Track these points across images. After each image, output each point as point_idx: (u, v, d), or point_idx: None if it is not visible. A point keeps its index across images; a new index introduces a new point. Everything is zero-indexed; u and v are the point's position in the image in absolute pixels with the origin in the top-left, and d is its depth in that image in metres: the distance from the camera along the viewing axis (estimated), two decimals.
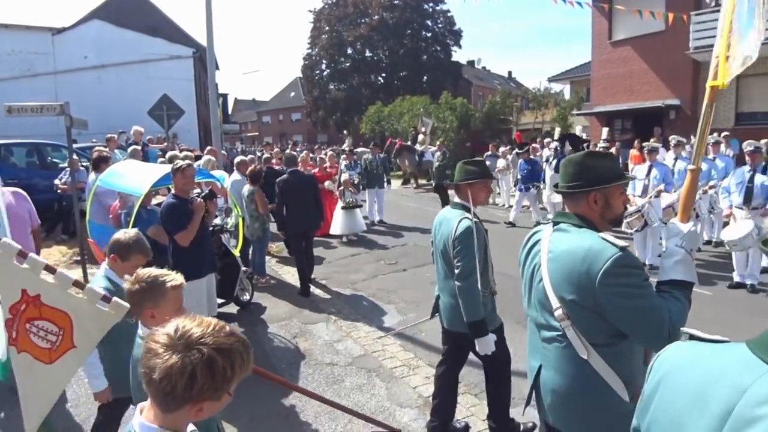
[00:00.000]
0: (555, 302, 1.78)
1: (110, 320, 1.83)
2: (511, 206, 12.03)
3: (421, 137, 19.24)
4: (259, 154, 16.88)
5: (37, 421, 1.91)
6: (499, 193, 13.49)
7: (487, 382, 3.28)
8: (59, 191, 8.75)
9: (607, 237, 1.73)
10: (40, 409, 1.89)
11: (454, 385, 3.35)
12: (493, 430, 3.28)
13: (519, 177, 11.26)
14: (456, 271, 2.91)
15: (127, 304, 1.90)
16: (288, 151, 14.68)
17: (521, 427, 3.34)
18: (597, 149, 10.35)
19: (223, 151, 12.12)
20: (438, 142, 14.72)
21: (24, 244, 3.63)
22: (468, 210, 3.00)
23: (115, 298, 1.86)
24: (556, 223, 1.89)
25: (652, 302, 1.66)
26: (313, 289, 6.68)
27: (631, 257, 1.69)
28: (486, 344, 2.93)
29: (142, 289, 1.93)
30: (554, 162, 11.09)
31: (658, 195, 7.02)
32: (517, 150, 11.78)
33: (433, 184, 12.75)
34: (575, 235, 1.79)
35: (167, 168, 4.77)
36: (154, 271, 1.98)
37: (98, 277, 2.61)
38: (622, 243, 1.70)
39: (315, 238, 7.31)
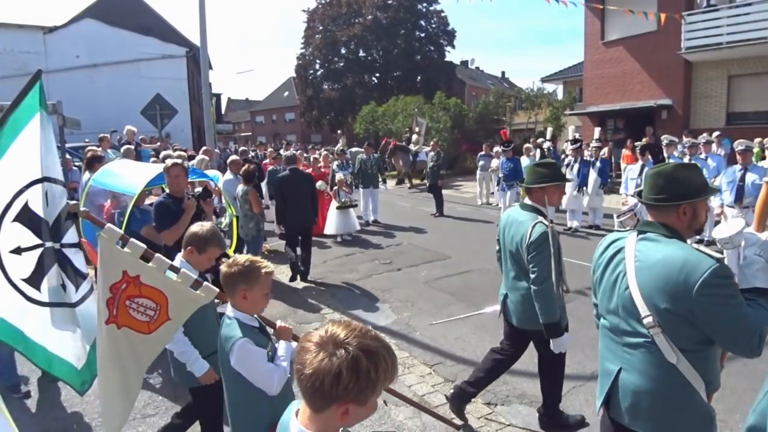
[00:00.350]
0: (644, 310, 1.84)
1: (201, 301, 2.06)
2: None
3: (414, 137, 19.27)
4: (252, 153, 16.79)
5: (135, 391, 2.16)
6: (493, 193, 13.52)
7: (541, 377, 3.36)
8: None
9: (701, 248, 1.81)
10: (136, 377, 2.14)
11: (500, 372, 3.48)
12: (545, 422, 3.35)
13: (501, 176, 11.01)
14: (531, 276, 2.97)
15: (216, 289, 2.08)
16: (282, 150, 14.67)
17: (570, 419, 3.41)
18: (590, 148, 10.41)
19: (216, 150, 12.08)
20: (432, 142, 14.71)
21: None
22: (540, 213, 3.04)
23: (205, 283, 2.07)
24: (641, 232, 1.94)
25: (745, 311, 1.73)
26: (308, 288, 6.69)
27: (727, 269, 1.75)
28: (561, 344, 3.03)
29: (239, 271, 2.07)
30: None
31: None
32: (502, 147, 11.64)
33: (427, 185, 12.75)
34: (666, 245, 1.85)
35: (160, 167, 4.75)
36: (249, 256, 2.15)
37: None
38: (717, 255, 1.79)
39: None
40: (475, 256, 8.02)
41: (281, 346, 2.22)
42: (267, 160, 11.93)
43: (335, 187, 9.71)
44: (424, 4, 35.29)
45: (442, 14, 35.73)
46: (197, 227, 2.71)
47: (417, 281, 6.92)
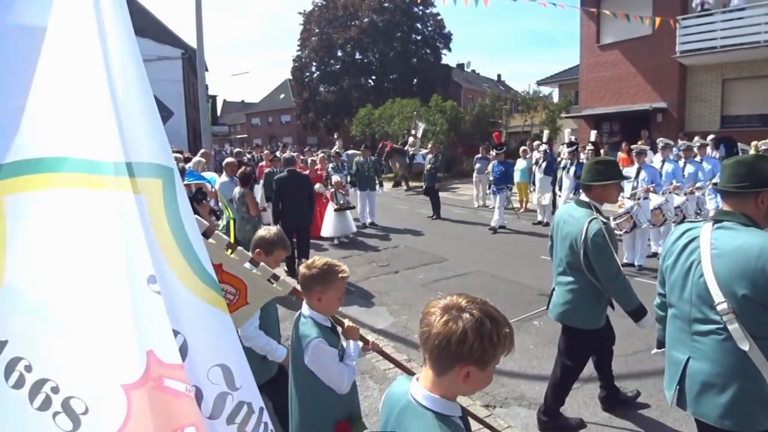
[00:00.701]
0: (718, 297, 1.88)
1: (277, 293, 2.18)
2: (512, 208, 12.08)
3: (411, 140, 19.30)
4: (249, 156, 16.73)
5: None
6: (489, 195, 13.53)
7: (553, 376, 3.37)
8: None
9: None
10: None
11: (607, 359, 3.55)
12: (544, 423, 3.36)
13: (492, 179, 10.87)
14: (602, 277, 3.01)
15: (291, 284, 2.19)
16: (278, 152, 14.67)
17: (570, 421, 3.43)
18: (586, 151, 10.45)
19: (211, 152, 12.05)
20: (430, 145, 14.70)
21: None
22: (596, 209, 3.09)
23: (282, 277, 2.17)
24: (717, 221, 2.00)
25: None
26: None
27: None
28: (646, 322, 3.10)
29: (317, 274, 2.16)
30: (543, 164, 11.16)
31: (646, 197, 7.10)
32: (495, 150, 11.59)
33: (424, 187, 12.74)
34: (744, 233, 1.89)
35: None
36: (327, 260, 2.22)
37: None
38: None
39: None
40: (472, 259, 8.03)
41: (350, 346, 2.29)
42: (263, 162, 11.90)
43: (332, 189, 9.70)
44: (420, 8, 35.39)
45: (438, 17, 35.86)
46: (264, 231, 2.84)
47: (414, 284, 6.91)
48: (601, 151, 8.96)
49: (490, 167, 12.31)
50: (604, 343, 3.45)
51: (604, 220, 3.02)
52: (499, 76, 50.83)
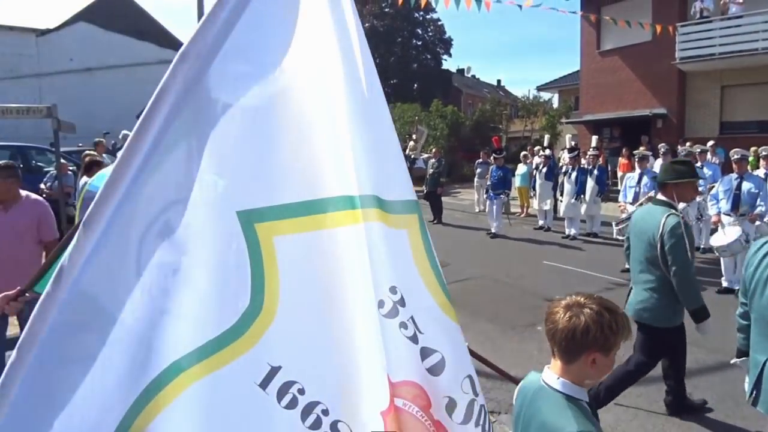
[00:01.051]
0: None
1: None
2: (512, 213, 12.06)
3: (411, 144, 19.33)
4: None
5: None
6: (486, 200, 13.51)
7: (615, 373, 3.33)
8: (44, 195, 8.57)
9: None
10: None
11: (682, 360, 3.46)
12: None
13: (489, 184, 10.76)
14: (673, 268, 3.07)
15: None
16: None
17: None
18: (587, 156, 10.46)
19: None
20: (433, 149, 14.70)
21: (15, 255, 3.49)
22: (673, 207, 3.18)
23: None
24: None
25: None
26: None
27: None
28: (705, 327, 3.16)
29: None
30: (544, 170, 11.16)
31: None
32: (494, 155, 11.38)
33: (425, 191, 12.71)
34: None
35: None
36: None
37: None
38: None
39: None
40: (473, 264, 8.00)
41: None
42: None
43: None
44: (421, 13, 35.52)
45: (439, 23, 36.00)
46: None
47: None
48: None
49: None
50: (679, 345, 3.45)
51: (682, 215, 3.12)
52: (499, 81, 50.92)
